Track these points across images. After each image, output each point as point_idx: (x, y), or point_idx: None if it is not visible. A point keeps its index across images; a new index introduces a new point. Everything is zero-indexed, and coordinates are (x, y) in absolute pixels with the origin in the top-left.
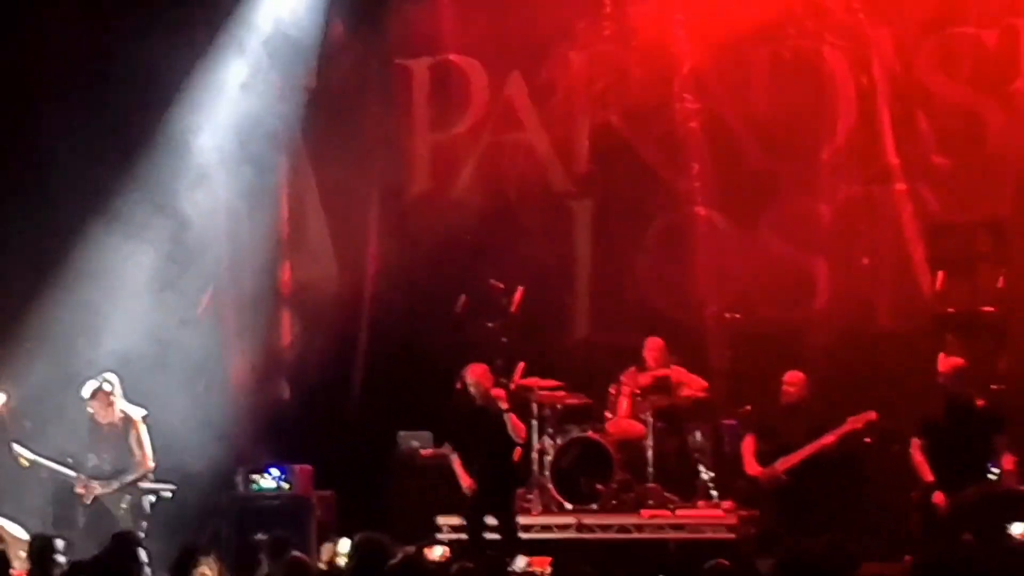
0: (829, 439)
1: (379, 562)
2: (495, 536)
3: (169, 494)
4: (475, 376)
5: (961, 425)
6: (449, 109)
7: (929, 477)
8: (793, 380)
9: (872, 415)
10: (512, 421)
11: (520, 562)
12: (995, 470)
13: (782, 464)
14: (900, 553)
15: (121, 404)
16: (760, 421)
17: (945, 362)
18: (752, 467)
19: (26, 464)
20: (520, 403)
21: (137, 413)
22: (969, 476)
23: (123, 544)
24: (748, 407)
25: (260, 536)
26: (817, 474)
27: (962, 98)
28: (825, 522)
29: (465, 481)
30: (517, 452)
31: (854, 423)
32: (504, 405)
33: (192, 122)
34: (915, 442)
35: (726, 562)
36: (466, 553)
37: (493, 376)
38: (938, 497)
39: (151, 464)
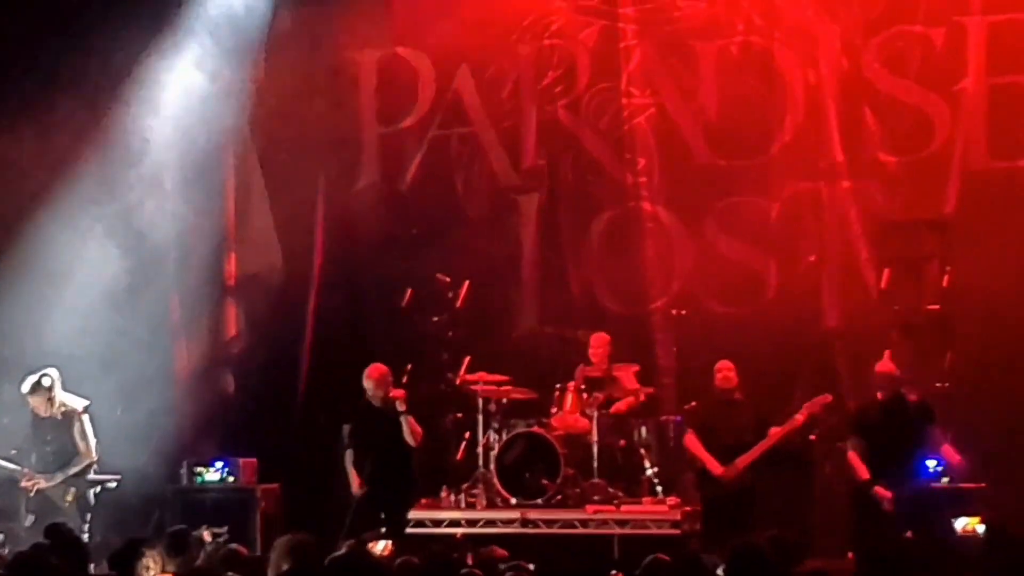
0: (787, 429)
1: (310, 562)
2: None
3: (114, 484)
4: (373, 378)
5: (893, 423)
6: (397, 102)
7: (865, 475)
8: (728, 366)
9: (828, 397)
10: (410, 424)
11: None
12: (933, 462)
13: (742, 461)
14: (843, 549)
15: (62, 397)
16: (700, 416)
17: (878, 366)
18: (715, 466)
19: None
20: (466, 398)
21: (79, 404)
22: (906, 470)
23: (57, 536)
24: (694, 403)
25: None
26: (765, 470)
27: (909, 96)
28: (770, 518)
29: (355, 482)
30: (461, 449)
31: (811, 407)
32: (402, 407)
33: (139, 115)
34: (850, 443)
35: (666, 557)
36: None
37: (392, 378)
38: (881, 490)
39: (95, 455)
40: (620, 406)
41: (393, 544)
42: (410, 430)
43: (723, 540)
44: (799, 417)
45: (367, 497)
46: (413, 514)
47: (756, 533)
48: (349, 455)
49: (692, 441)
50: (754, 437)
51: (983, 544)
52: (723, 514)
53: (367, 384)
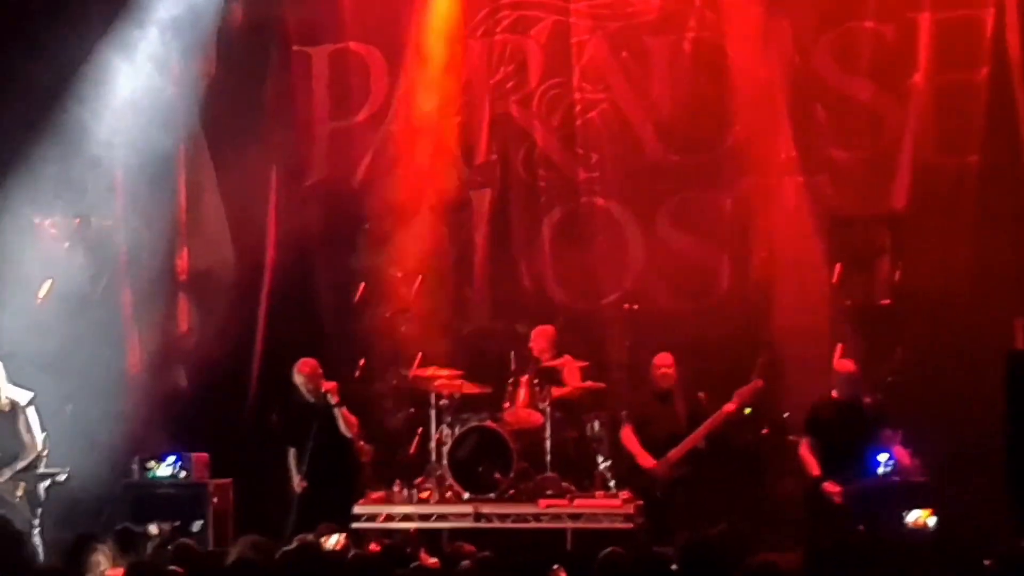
0: (718, 418)
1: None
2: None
3: (64, 477)
4: (304, 372)
5: (848, 423)
6: (349, 97)
7: (816, 472)
8: (667, 362)
9: (759, 383)
10: (344, 415)
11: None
12: (884, 456)
13: (675, 454)
14: (795, 543)
15: (7, 390)
16: (636, 411)
17: (838, 364)
18: (646, 460)
19: None
20: (418, 393)
21: (24, 397)
22: (857, 470)
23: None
24: (624, 412)
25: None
26: (713, 464)
27: (860, 92)
28: (720, 511)
29: (295, 479)
30: (414, 444)
31: (741, 395)
32: (335, 399)
33: (90, 107)
34: (803, 439)
35: (620, 550)
36: (363, 541)
37: (322, 370)
38: (830, 486)
39: (40, 448)
40: (563, 391)
41: (347, 537)
42: (345, 421)
43: (667, 533)
44: (729, 406)
45: (309, 493)
46: (366, 508)
47: (706, 527)
48: (292, 453)
49: (627, 436)
50: (687, 430)
51: (934, 537)
52: (661, 508)
53: (298, 379)
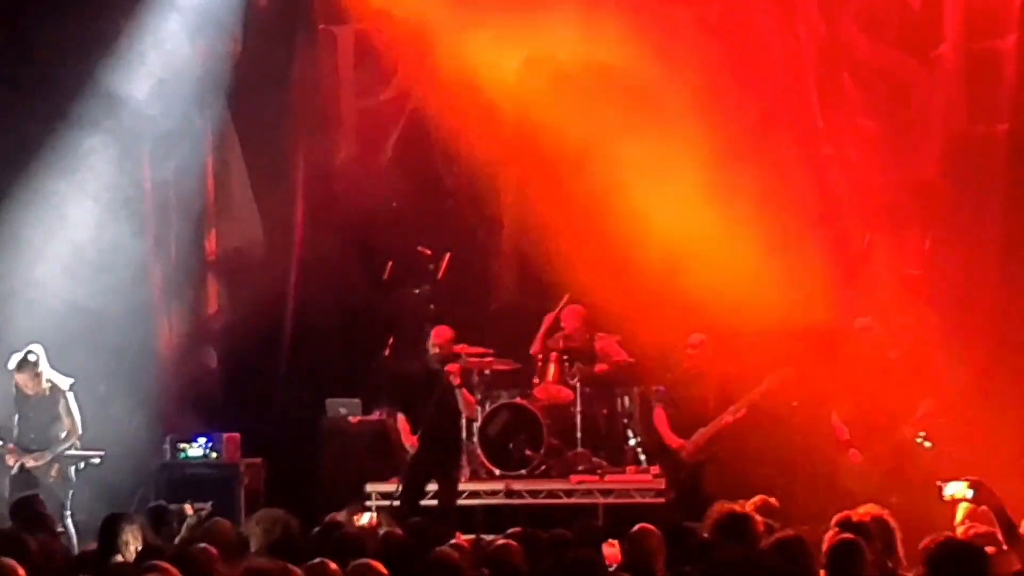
0: (744, 406)
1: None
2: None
3: (98, 460)
4: (438, 340)
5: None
6: (375, 75)
7: (844, 437)
8: (696, 343)
9: (788, 372)
10: (464, 395)
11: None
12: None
13: (701, 436)
14: (828, 514)
15: (48, 374)
16: (667, 391)
17: (855, 323)
18: (672, 440)
19: None
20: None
21: (64, 382)
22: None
23: (25, 510)
24: (660, 387)
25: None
26: (742, 439)
27: (887, 61)
28: (753, 486)
29: (408, 439)
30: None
31: (770, 382)
32: (457, 381)
33: (116, 88)
34: (832, 406)
35: (651, 527)
36: (394, 519)
37: (453, 343)
38: (854, 455)
39: (79, 431)
40: (603, 366)
41: (378, 516)
42: (464, 401)
43: (697, 510)
44: (755, 394)
45: (423, 458)
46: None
47: (738, 501)
48: (401, 417)
49: (658, 415)
50: (716, 411)
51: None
52: (690, 486)
53: (431, 346)
